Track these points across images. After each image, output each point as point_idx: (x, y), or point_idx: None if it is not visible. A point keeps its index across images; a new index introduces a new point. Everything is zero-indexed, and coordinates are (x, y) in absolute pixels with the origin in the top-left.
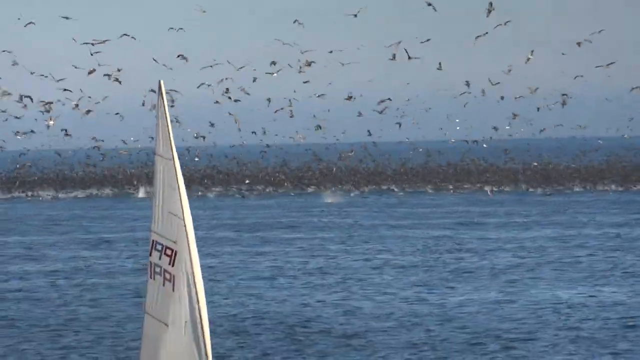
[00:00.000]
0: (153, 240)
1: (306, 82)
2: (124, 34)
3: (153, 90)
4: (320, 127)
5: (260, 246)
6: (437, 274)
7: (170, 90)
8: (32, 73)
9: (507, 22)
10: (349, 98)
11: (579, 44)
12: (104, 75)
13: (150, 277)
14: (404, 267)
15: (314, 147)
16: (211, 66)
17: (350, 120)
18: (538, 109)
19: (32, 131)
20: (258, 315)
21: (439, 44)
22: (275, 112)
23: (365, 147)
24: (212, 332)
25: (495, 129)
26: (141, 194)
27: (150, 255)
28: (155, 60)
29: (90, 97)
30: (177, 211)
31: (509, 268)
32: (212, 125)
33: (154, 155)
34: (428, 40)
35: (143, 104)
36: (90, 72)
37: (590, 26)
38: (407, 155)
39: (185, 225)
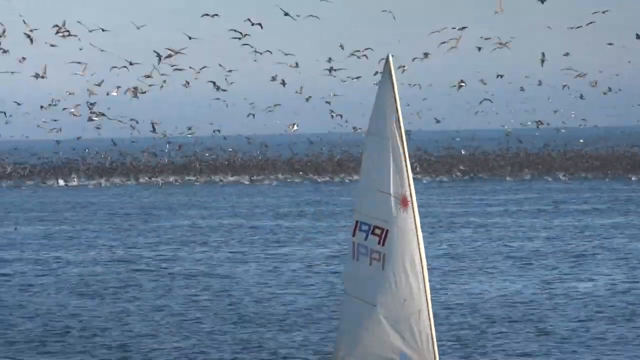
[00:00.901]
0: (357, 221)
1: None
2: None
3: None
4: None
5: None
6: (516, 261)
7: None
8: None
9: (605, 11)
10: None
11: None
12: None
13: (354, 258)
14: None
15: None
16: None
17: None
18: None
19: (102, 114)
20: None
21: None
22: None
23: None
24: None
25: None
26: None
27: (354, 235)
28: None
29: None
30: (392, 190)
31: (591, 254)
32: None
33: (365, 135)
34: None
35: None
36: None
37: None
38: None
39: (399, 203)
